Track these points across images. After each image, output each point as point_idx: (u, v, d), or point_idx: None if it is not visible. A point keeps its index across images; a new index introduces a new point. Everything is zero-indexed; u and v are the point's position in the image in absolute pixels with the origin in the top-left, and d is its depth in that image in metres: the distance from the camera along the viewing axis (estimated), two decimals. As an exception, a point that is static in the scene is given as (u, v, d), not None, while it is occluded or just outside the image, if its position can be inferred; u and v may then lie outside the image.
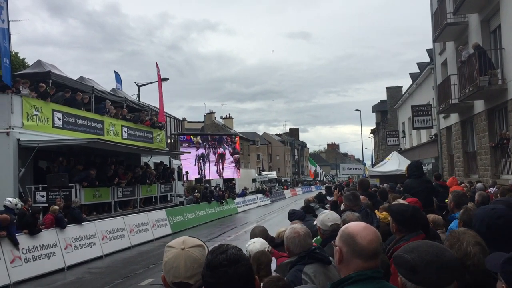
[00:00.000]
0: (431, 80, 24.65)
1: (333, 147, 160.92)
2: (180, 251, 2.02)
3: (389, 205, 4.61)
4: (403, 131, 36.43)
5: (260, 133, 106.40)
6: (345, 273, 2.17)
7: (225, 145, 41.26)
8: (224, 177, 40.61)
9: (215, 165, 39.29)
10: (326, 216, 4.57)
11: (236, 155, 42.98)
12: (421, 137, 29.75)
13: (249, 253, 4.37)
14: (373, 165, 41.49)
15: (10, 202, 12.41)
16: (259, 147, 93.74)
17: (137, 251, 16.30)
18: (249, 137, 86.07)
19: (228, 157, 41.25)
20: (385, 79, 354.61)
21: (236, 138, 44.56)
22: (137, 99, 29.88)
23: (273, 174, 77.03)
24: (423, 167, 12.13)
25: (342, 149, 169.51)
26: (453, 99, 18.22)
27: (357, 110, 51.88)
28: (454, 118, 20.80)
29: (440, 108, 20.53)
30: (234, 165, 42.28)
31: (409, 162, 12.04)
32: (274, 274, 3.97)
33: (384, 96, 51.55)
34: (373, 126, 58.49)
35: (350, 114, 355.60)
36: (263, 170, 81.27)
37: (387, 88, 49.26)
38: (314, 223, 4.68)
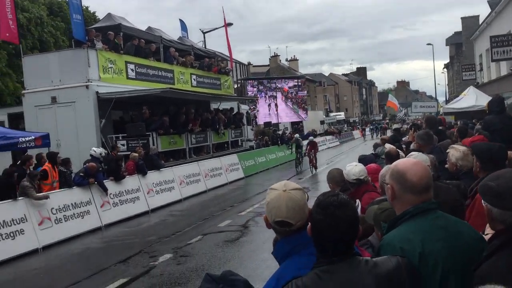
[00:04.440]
0: (513, 7, 22.76)
1: (403, 85, 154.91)
2: (282, 192, 2.12)
3: (473, 144, 4.49)
4: (480, 64, 34.29)
5: (326, 74, 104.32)
6: (400, 209, 2.24)
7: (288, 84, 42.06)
8: (289, 117, 41.24)
9: (282, 101, 40.04)
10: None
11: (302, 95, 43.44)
12: (500, 69, 27.91)
13: (347, 172, 4.67)
14: (447, 102, 39.71)
15: (95, 151, 13.32)
16: (326, 88, 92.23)
17: (213, 194, 17.03)
18: (315, 79, 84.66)
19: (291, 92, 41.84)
20: (457, 9, 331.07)
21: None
22: (203, 46, 30.13)
23: (341, 115, 76.02)
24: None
25: (413, 86, 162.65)
26: (539, 27, 16.80)
27: (429, 44, 49.29)
28: (539, 47, 19.26)
29: (523, 38, 19.04)
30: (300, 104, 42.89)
31: (487, 97, 11.46)
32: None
33: (458, 28, 48.33)
34: (446, 60, 55.46)
35: (419, 49, 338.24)
36: (331, 112, 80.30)
37: (462, 18, 46.02)
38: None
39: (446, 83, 57.74)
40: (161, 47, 20.40)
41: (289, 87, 42.58)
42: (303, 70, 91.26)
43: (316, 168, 21.87)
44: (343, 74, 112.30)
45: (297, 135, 25.18)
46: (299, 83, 44.40)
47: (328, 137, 43.31)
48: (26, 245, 9.90)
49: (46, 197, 10.69)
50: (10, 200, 10.16)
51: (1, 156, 14.85)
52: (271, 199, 2.14)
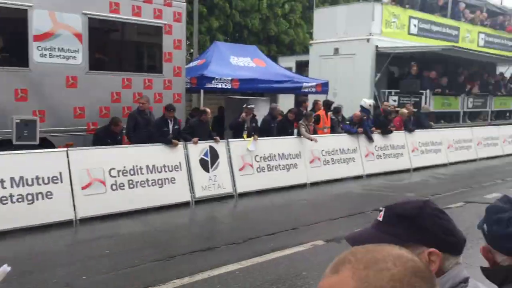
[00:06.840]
0: None
1: None
2: None
3: None
4: None
5: None
6: None
7: None
8: None
9: None
10: None
11: None
12: None
13: None
14: None
15: (365, 102, 13.87)
16: None
17: (484, 164, 15.74)
18: None
19: None
20: None
21: None
22: (500, 2, 26.98)
23: None
24: None
25: None
26: None
27: None
28: None
29: None
30: None
31: None
32: None
33: None
34: None
35: None
36: None
37: None
38: None
39: None
40: (450, 2, 19.23)
41: None
42: None
43: None
44: None
45: None
46: None
47: None
48: (297, 178, 11.22)
49: (313, 140, 11.54)
50: (288, 137, 11.65)
51: (287, 98, 16.87)
52: None
